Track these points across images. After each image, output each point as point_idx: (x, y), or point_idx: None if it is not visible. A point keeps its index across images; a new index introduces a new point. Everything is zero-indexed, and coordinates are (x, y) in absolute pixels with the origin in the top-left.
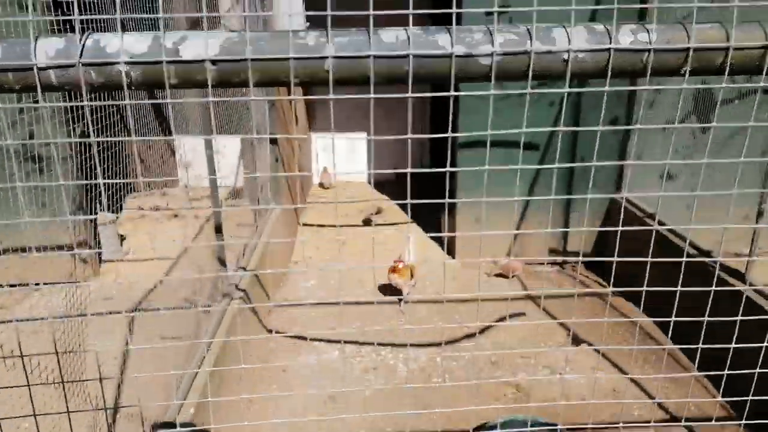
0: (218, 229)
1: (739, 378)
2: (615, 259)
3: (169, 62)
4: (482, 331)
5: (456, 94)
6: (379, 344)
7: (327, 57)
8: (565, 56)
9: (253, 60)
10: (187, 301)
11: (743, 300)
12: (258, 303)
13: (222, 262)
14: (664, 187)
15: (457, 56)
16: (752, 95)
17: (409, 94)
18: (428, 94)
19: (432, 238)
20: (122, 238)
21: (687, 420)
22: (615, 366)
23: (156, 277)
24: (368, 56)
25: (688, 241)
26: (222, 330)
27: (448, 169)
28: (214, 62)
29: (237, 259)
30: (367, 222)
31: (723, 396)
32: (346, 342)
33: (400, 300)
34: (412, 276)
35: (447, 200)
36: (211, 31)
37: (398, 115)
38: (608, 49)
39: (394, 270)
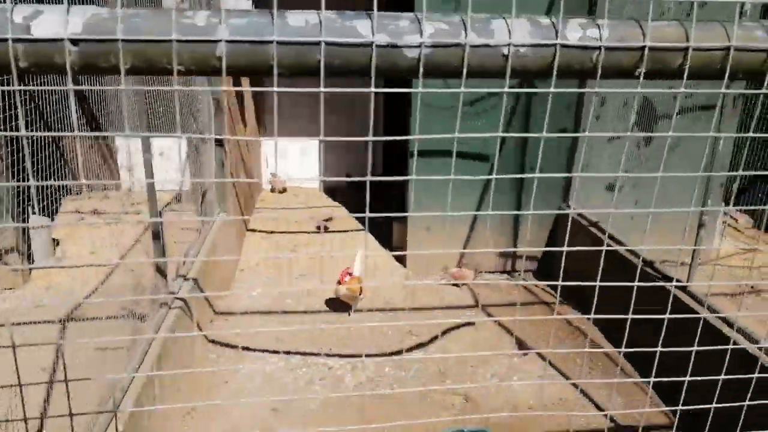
0: (156, 236)
1: (685, 390)
2: (563, 283)
3: (16, 40)
4: (431, 340)
5: (408, 90)
6: (327, 354)
7: (219, 41)
8: (505, 51)
9: (125, 41)
10: (125, 310)
11: (700, 322)
12: (199, 312)
13: (160, 271)
14: (608, 196)
15: (378, 46)
16: (693, 111)
17: (321, 89)
18: (358, 89)
19: (383, 245)
20: (56, 242)
21: (631, 428)
22: (562, 374)
23: (92, 284)
24: (271, 42)
25: (641, 259)
26: (158, 342)
27: (370, 178)
28: (75, 42)
29: (177, 266)
30: (320, 229)
31: (666, 404)
32: (291, 352)
33: (349, 310)
34: (360, 291)
35: (365, 214)
36: (75, 6)
37: (350, 119)
38: (554, 45)
39: (341, 281)
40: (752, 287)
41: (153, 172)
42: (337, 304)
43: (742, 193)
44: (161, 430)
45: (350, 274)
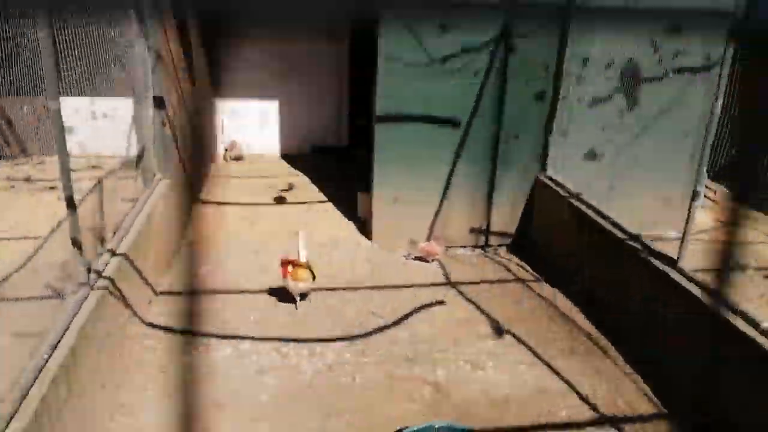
0: (70, 204)
1: (673, 373)
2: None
3: None
4: (397, 322)
5: None
6: (281, 339)
7: None
8: None
9: None
10: (51, 288)
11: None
12: (134, 292)
13: (77, 244)
14: (588, 165)
15: None
16: (683, 73)
17: None
18: None
19: (348, 217)
20: None
21: (615, 419)
22: (540, 359)
23: (17, 259)
24: None
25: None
26: (74, 329)
27: None
28: None
29: (101, 240)
30: (279, 200)
31: (654, 390)
32: (241, 338)
33: (295, 303)
34: (314, 277)
35: None
36: None
37: (313, 80)
38: None
39: (287, 273)
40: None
41: (63, 130)
42: (286, 296)
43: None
44: (82, 430)
45: (292, 264)
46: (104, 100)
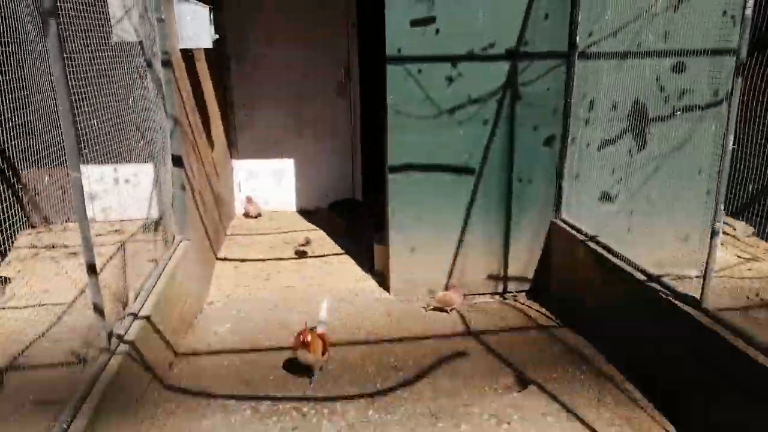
0: (91, 271)
1: (705, 418)
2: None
3: None
4: (419, 376)
5: None
6: (301, 398)
7: None
8: None
9: None
10: (74, 354)
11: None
12: (155, 355)
13: (98, 310)
14: (603, 207)
15: None
16: (694, 110)
17: None
18: None
19: (365, 270)
20: (6, 281)
21: None
22: (568, 410)
23: (42, 326)
24: None
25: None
26: (95, 395)
27: None
28: None
29: (123, 304)
30: (300, 254)
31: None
32: (261, 398)
33: (311, 377)
34: (324, 351)
35: None
36: None
37: (326, 136)
38: None
39: (302, 343)
40: (761, 300)
41: (84, 200)
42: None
43: (754, 200)
44: None
45: (310, 330)
46: (126, 166)
